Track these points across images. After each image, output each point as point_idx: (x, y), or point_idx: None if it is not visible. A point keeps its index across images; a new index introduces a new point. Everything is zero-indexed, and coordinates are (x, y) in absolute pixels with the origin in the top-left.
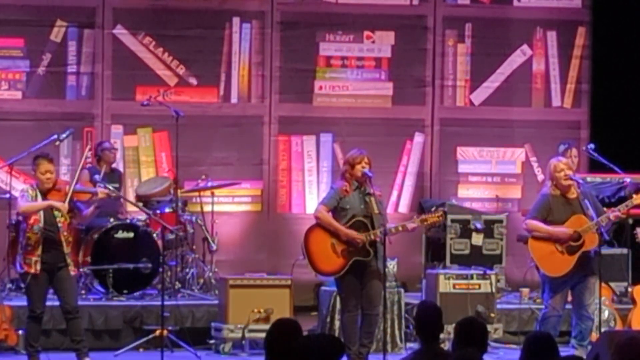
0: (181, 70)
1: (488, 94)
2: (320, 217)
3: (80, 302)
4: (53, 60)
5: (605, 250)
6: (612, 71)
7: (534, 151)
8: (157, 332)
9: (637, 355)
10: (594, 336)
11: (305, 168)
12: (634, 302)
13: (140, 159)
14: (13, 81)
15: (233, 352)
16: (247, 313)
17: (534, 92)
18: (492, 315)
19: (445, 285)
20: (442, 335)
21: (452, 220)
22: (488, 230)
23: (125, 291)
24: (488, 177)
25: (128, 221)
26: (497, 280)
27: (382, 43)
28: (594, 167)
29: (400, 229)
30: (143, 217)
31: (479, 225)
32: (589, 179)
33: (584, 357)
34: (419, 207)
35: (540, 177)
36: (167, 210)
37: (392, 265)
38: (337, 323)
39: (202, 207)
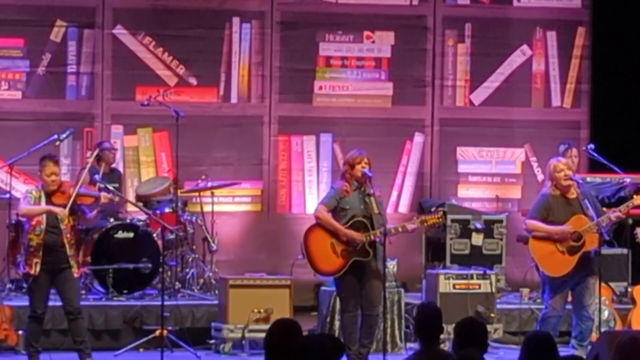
0: (181, 70)
1: (488, 94)
2: (320, 216)
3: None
4: (53, 60)
5: (605, 251)
6: (612, 71)
7: (534, 151)
8: (157, 332)
9: (638, 356)
10: (594, 336)
11: (305, 168)
12: (634, 302)
13: (140, 159)
14: (13, 81)
15: (233, 352)
16: (247, 313)
17: (533, 92)
18: (492, 315)
19: (445, 285)
20: (442, 336)
21: (452, 220)
22: (488, 230)
23: (125, 291)
24: (488, 177)
25: (128, 221)
26: (497, 280)
27: (382, 43)
28: (594, 167)
29: (400, 229)
30: (143, 217)
31: (479, 226)
32: (589, 179)
33: (584, 357)
34: (419, 207)
35: (540, 177)
36: (167, 210)
37: (392, 266)
38: (337, 323)
39: (202, 207)
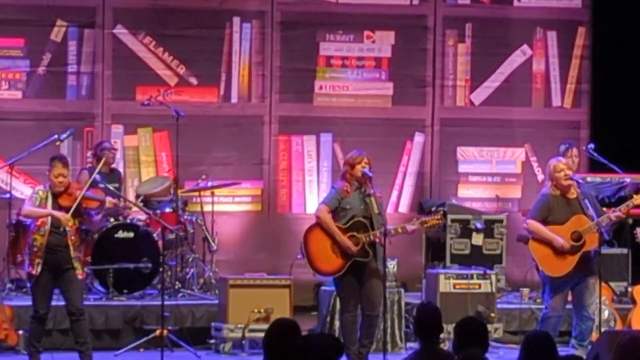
0: (181, 70)
1: (488, 93)
2: (321, 216)
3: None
4: (53, 60)
5: (605, 250)
6: (612, 71)
7: (534, 151)
8: (157, 332)
9: (638, 356)
10: (594, 336)
11: (306, 168)
12: (634, 302)
13: (140, 159)
14: (13, 81)
15: (233, 351)
16: (247, 313)
17: (534, 92)
18: (493, 315)
19: (445, 285)
20: (442, 335)
21: (452, 220)
22: (488, 230)
23: (125, 291)
24: (488, 177)
25: (128, 221)
26: (497, 280)
27: (383, 43)
28: (594, 167)
29: (400, 230)
30: (143, 217)
31: (479, 225)
32: (589, 179)
33: (584, 357)
34: (419, 207)
35: (540, 177)
36: (167, 210)
37: (392, 265)
38: (337, 323)
39: (202, 207)
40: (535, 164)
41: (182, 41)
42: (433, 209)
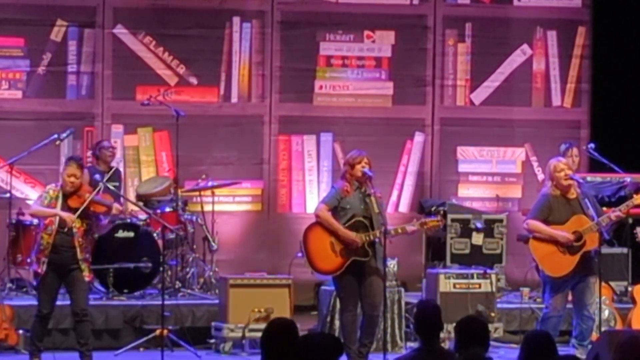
0: (181, 70)
1: (488, 93)
2: (320, 215)
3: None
4: (53, 59)
5: (606, 250)
6: (612, 71)
7: (534, 151)
8: (158, 332)
9: (638, 355)
10: (595, 336)
11: (306, 167)
12: (634, 301)
13: (140, 159)
14: (13, 81)
15: (233, 351)
16: (247, 312)
17: (534, 92)
18: (493, 314)
19: (445, 284)
20: (442, 335)
21: (453, 220)
22: (488, 229)
23: (125, 290)
24: (488, 176)
25: (129, 221)
26: (498, 280)
27: (383, 43)
28: (594, 166)
29: (399, 231)
30: (143, 216)
31: (479, 225)
32: (589, 179)
33: (584, 356)
34: (419, 206)
35: (541, 176)
36: (167, 209)
37: (392, 265)
38: (337, 323)
39: (202, 207)
40: (535, 164)
41: (182, 41)
42: (433, 208)
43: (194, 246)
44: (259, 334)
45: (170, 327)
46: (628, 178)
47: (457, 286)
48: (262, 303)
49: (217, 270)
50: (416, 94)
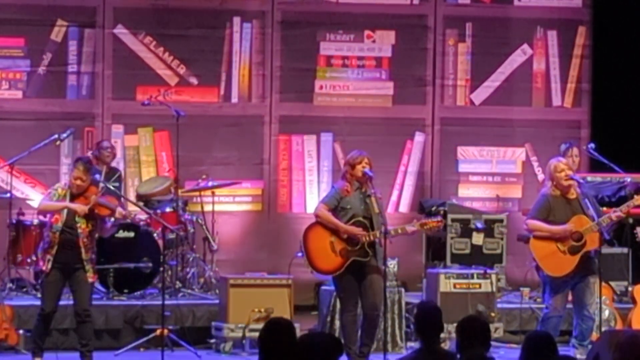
0: (182, 70)
1: (488, 93)
2: (320, 214)
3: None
4: (54, 59)
5: (606, 250)
6: (613, 70)
7: (534, 151)
8: (158, 332)
9: (638, 355)
10: (595, 336)
11: (306, 167)
12: (634, 301)
13: (140, 159)
14: (14, 81)
15: (234, 351)
16: (247, 312)
17: (534, 92)
18: (493, 314)
19: (445, 284)
20: (442, 335)
21: (453, 220)
22: (488, 229)
23: (125, 290)
24: (488, 176)
25: (129, 221)
26: (498, 280)
27: (383, 42)
28: (595, 166)
29: (399, 231)
30: (144, 216)
31: (479, 225)
32: (589, 179)
33: (584, 356)
34: (420, 206)
35: (541, 176)
36: (167, 209)
37: (392, 265)
38: (337, 323)
39: (202, 207)
40: (535, 164)
41: (182, 41)
42: (433, 208)
43: (194, 246)
44: None
45: (170, 327)
46: (628, 178)
47: (458, 286)
48: (262, 303)
49: (217, 270)
50: (416, 94)
